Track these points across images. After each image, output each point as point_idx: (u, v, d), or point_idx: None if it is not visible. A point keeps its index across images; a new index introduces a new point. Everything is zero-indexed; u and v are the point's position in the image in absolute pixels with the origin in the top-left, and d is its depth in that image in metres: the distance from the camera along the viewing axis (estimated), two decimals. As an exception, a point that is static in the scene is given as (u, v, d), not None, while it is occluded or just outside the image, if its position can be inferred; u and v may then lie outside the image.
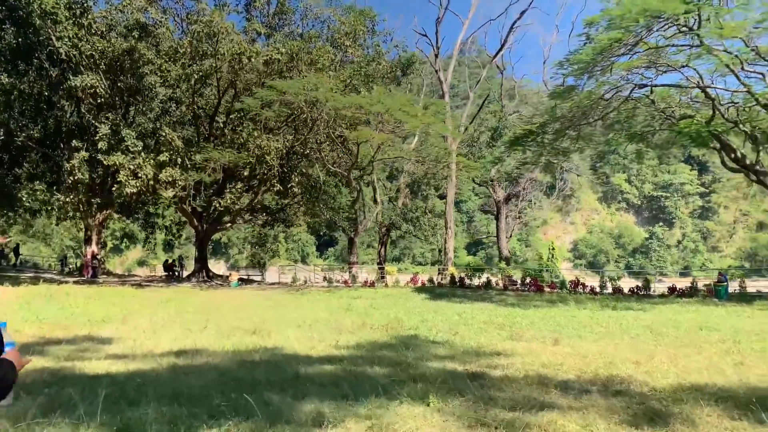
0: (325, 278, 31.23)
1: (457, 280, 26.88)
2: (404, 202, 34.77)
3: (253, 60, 26.21)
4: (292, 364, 8.68)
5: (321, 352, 9.96)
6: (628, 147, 30.78)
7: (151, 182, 25.70)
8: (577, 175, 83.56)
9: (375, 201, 31.97)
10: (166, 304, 18.90)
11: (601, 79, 23.32)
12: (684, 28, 20.71)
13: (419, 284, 27.63)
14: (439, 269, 31.56)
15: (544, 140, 24.80)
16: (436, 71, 35.27)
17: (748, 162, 23.94)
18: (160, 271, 39.10)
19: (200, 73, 26.88)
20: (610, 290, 23.87)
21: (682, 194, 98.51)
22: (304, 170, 32.69)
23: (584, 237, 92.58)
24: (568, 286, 24.43)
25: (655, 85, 23.65)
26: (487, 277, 26.87)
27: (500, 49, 36.56)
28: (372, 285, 27.95)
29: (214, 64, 26.92)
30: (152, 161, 25.72)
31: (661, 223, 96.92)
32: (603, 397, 6.98)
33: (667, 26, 20.77)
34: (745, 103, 25.05)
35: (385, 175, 38.41)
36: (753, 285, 25.36)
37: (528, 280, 25.76)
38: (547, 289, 24.41)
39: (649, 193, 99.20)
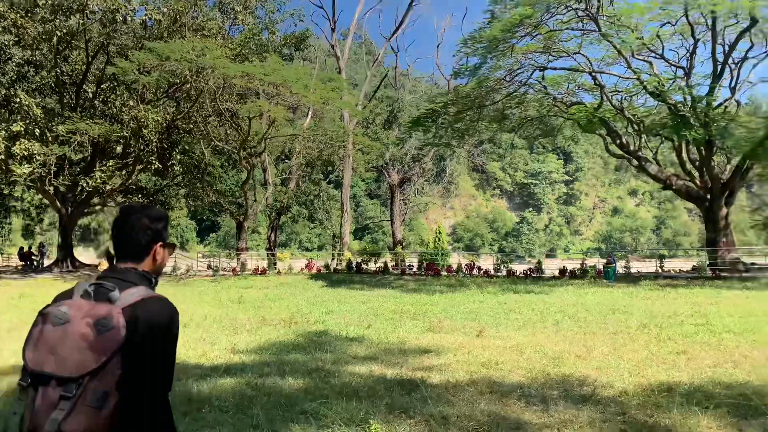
0: (209, 266, 28.35)
1: (353, 265, 25.29)
2: (297, 184, 32.51)
3: (129, 19, 22.58)
4: (181, 378, 6.63)
5: (216, 360, 7.96)
6: (516, 133, 30.59)
7: (2, 156, 21.55)
8: (458, 163, 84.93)
9: (265, 183, 29.34)
10: (17, 302, 15.70)
11: (500, 63, 22.61)
12: (582, 13, 20.28)
13: (315, 271, 25.73)
14: (333, 254, 29.69)
15: (446, 120, 23.76)
16: (332, 46, 32.69)
17: (632, 148, 24.24)
18: (17, 261, 33.93)
19: (64, 32, 22.69)
20: (504, 273, 23.34)
21: (549, 182, 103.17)
22: (186, 147, 29.22)
23: (462, 221, 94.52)
24: (464, 269, 23.62)
25: (556, 68, 23.36)
26: (385, 262, 25.54)
27: (396, 30, 35.01)
28: (263, 273, 25.69)
29: (81, 22, 22.92)
30: (3, 132, 21.68)
31: (530, 209, 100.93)
32: (573, 406, 5.68)
33: (565, 10, 20.25)
34: (631, 91, 25.47)
35: (276, 155, 35.61)
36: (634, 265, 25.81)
37: (425, 264, 24.76)
38: (443, 273, 23.46)
39: (520, 180, 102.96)
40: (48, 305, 1.78)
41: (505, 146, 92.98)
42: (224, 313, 13.16)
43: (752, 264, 23.37)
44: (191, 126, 26.69)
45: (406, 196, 37.63)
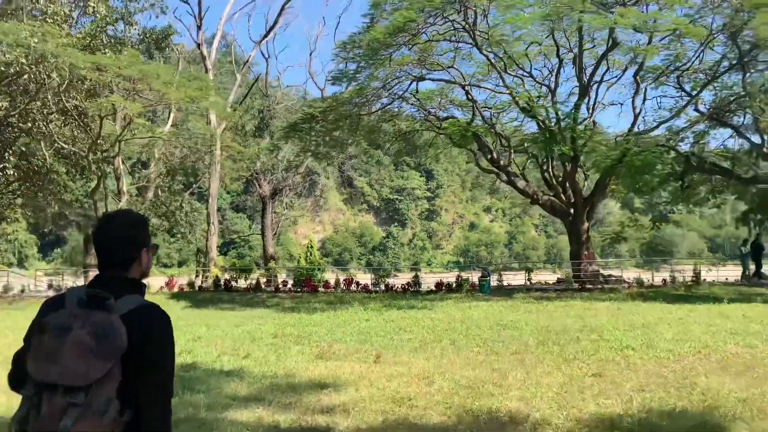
0: (50, 286, 24.55)
1: (222, 282, 22.98)
2: (156, 195, 29.20)
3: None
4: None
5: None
6: (385, 149, 29.95)
7: None
8: (326, 177, 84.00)
9: (119, 192, 25.95)
10: None
11: (376, 74, 21.76)
12: (458, 25, 19.94)
13: (177, 289, 23.03)
14: (198, 271, 26.94)
15: (324, 128, 22.38)
16: (198, 45, 29.81)
17: (502, 163, 24.40)
18: None
19: None
20: (383, 288, 22.34)
21: (413, 198, 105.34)
22: (23, 149, 24.75)
23: (331, 236, 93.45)
24: (342, 285, 22.29)
25: (434, 79, 22.92)
26: (257, 278, 23.48)
27: (267, 33, 32.85)
28: (115, 291, 22.58)
29: None
30: None
31: (396, 224, 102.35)
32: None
33: (443, 21, 19.78)
34: (499, 108, 25.77)
35: (132, 162, 31.78)
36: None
37: (300, 280, 23.08)
38: (321, 289, 21.97)
39: (386, 196, 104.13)
40: (43, 315, 1.81)
41: (372, 162, 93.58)
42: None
43: (609, 276, 24.34)
44: (29, 125, 22.73)
45: (283, 206, 35.66)
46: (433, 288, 21.88)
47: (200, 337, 11.21)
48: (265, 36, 32.60)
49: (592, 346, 9.45)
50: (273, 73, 39.18)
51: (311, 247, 32.64)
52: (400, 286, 22.27)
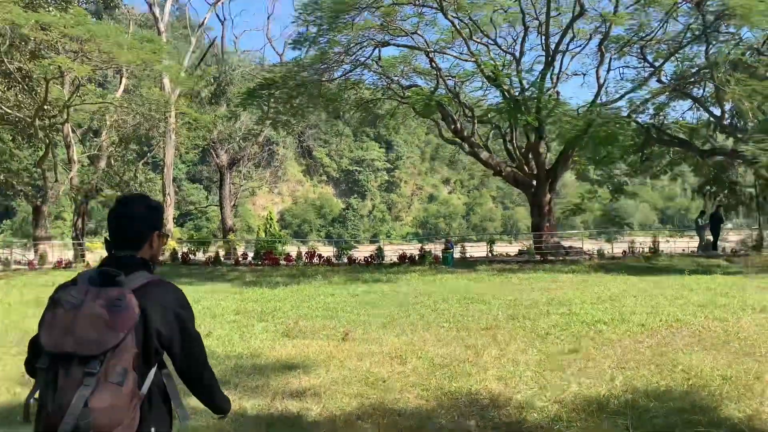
0: (-2, 258, 23.41)
1: (179, 255, 22.14)
2: (109, 164, 27.73)
3: None
4: None
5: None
6: (345, 119, 29.20)
7: None
8: (284, 148, 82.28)
9: (69, 161, 24.54)
10: None
11: (337, 38, 20.95)
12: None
13: (130, 262, 22.15)
14: (154, 243, 25.89)
15: (284, 94, 21.46)
16: (150, 6, 28.03)
17: (465, 133, 24.08)
18: None
19: None
20: (345, 260, 21.92)
21: (372, 169, 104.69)
22: None
23: (290, 207, 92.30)
24: (304, 257, 21.76)
25: (398, 45, 22.17)
26: (216, 251, 22.74)
27: None
28: (68, 266, 21.54)
29: None
30: None
31: (355, 195, 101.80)
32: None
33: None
34: (462, 77, 25.31)
35: (83, 129, 30.07)
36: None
37: (261, 253, 22.46)
38: (282, 262, 21.41)
39: (345, 167, 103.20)
40: (56, 292, 1.84)
41: (332, 133, 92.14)
42: (16, 322, 10.07)
43: (570, 247, 24.49)
44: (-33, 89, 21.18)
45: (241, 177, 34.50)
46: (396, 260, 21.59)
47: (156, 315, 10.61)
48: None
49: (563, 320, 9.27)
50: (229, 38, 37.52)
51: (271, 219, 31.91)
52: (363, 259, 21.90)
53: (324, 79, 22.19)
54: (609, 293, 12.25)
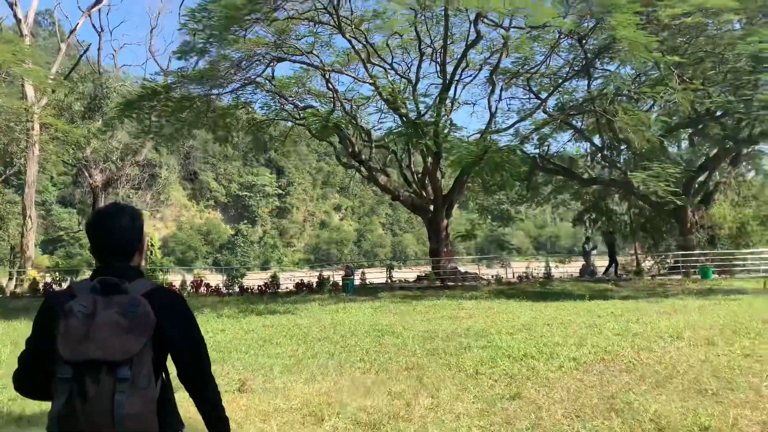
0: None
1: (40, 287, 18.98)
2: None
3: None
4: None
5: None
6: (245, 136, 27.24)
7: None
8: (167, 170, 77.28)
9: None
10: None
11: (226, 53, 19.19)
12: (320, 3, 18.09)
13: (-21, 296, 18.76)
14: (11, 273, 22.17)
15: (168, 107, 19.14)
16: (11, 5, 24.25)
17: (363, 157, 23.07)
18: None
19: None
20: (237, 290, 19.89)
21: (263, 194, 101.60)
22: None
23: (174, 234, 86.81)
24: (189, 287, 19.48)
25: (294, 61, 20.84)
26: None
27: (98, 1, 27.81)
28: None
29: None
30: None
31: (245, 221, 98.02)
32: None
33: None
34: (358, 101, 24.46)
35: None
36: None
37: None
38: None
39: (235, 192, 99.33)
40: (53, 306, 1.79)
41: (220, 156, 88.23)
42: None
43: (466, 272, 24.04)
44: None
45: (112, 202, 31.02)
46: (293, 288, 19.95)
47: (1, 363, 8.34)
48: (95, 4, 27.67)
49: (488, 354, 8.19)
50: (108, 51, 34.15)
51: (152, 245, 28.90)
52: (256, 288, 20.01)
53: (212, 93, 20.26)
54: (521, 321, 11.45)
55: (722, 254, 23.67)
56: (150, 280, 1.91)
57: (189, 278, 21.08)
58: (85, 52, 28.60)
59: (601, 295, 16.51)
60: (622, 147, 25.53)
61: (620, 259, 30.05)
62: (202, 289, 19.53)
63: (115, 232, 1.94)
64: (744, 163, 26.03)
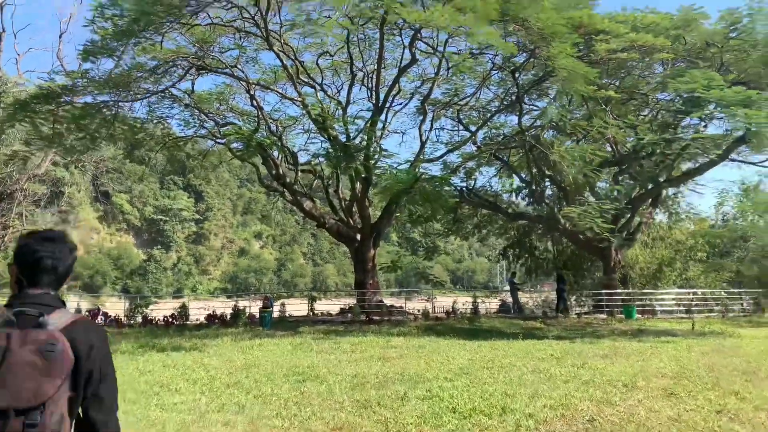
0: None
1: None
2: None
3: None
4: None
5: None
6: (159, 152, 24.85)
7: None
8: (77, 190, 71.76)
9: None
10: None
11: (140, 60, 17.23)
12: (249, 14, 16.62)
13: None
14: None
15: (71, 113, 16.75)
16: None
17: (288, 180, 21.49)
18: None
19: None
20: (140, 320, 17.53)
21: (180, 219, 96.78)
22: None
23: (81, 257, 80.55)
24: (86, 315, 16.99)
25: (217, 71, 19.09)
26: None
27: None
28: None
29: None
30: None
31: (159, 246, 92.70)
32: None
33: (229, 5, 16.14)
34: (284, 123, 23.02)
35: None
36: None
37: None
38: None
39: (149, 215, 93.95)
40: None
41: (134, 177, 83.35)
42: None
43: (391, 306, 22.74)
44: None
45: (7, 220, 27.44)
46: (204, 321, 17.89)
47: None
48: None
49: (430, 409, 6.84)
50: (10, 55, 30.46)
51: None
52: (162, 319, 17.77)
53: (122, 99, 18.13)
54: (457, 364, 10.25)
55: (643, 294, 23.74)
56: (69, 311, 1.81)
57: (84, 305, 18.46)
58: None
59: (533, 334, 15.66)
60: (547, 183, 25.41)
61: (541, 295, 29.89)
62: (100, 319, 17.05)
63: (53, 259, 1.87)
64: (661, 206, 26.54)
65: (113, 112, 18.04)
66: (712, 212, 35.82)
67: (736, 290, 25.88)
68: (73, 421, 1.72)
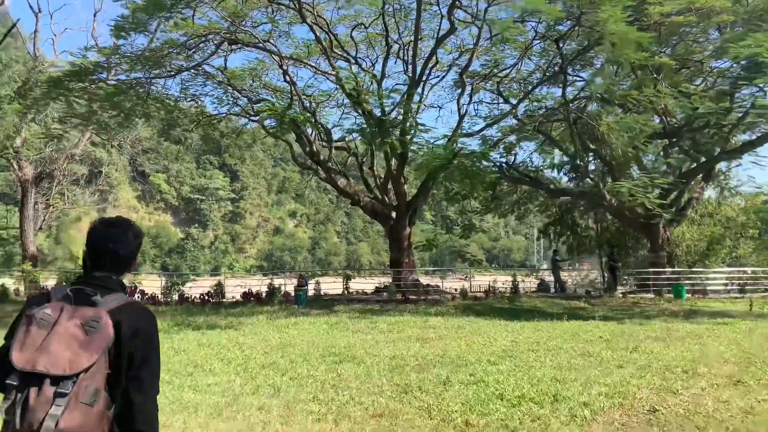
0: None
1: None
2: None
3: None
4: None
5: None
6: (194, 131, 24.69)
7: None
8: (116, 170, 73.21)
9: None
10: None
11: (172, 36, 16.98)
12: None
13: None
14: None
15: (105, 90, 16.67)
16: None
17: (322, 158, 21.14)
18: None
19: None
20: (176, 297, 17.58)
21: (216, 198, 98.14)
22: None
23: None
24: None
25: (248, 45, 18.67)
26: (2, 284, 17.11)
27: None
28: None
29: None
30: None
31: (196, 225, 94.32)
32: None
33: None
34: (317, 99, 22.58)
35: None
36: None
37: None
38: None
39: (186, 195, 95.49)
40: (30, 307, 1.79)
41: (171, 157, 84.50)
42: None
43: (427, 285, 22.32)
44: None
45: (48, 198, 27.87)
46: (240, 298, 17.82)
47: None
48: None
49: (475, 395, 6.43)
50: (48, 34, 30.51)
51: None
52: (198, 297, 17.77)
53: (155, 76, 17.94)
54: (500, 346, 9.80)
55: (692, 272, 22.76)
56: (125, 296, 1.87)
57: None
58: (12, 27, 25.70)
59: (577, 315, 15.03)
60: (591, 157, 24.43)
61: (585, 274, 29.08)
62: (137, 296, 17.14)
63: (109, 243, 1.94)
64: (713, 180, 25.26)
65: (146, 90, 17.91)
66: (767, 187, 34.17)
67: (791, 269, 24.61)
68: (116, 402, 1.75)
